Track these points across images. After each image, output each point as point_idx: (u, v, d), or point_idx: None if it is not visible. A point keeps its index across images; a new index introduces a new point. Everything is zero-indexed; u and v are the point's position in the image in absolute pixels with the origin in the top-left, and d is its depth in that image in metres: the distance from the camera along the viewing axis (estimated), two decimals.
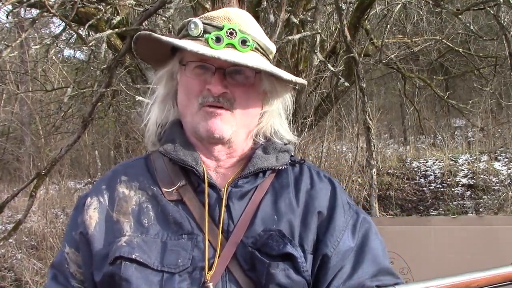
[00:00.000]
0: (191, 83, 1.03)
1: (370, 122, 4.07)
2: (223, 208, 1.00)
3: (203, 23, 1.03)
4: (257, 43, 1.05)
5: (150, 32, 1.02)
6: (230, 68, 1.01)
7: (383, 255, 1.05)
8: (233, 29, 1.01)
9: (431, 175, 7.27)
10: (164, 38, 1.01)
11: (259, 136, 1.10)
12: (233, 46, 1.01)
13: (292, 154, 1.11)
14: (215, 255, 0.97)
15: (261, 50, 1.07)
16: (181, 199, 1.01)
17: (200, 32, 1.02)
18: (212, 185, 1.01)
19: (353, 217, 1.07)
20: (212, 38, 1.00)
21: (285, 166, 1.07)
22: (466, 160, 7.47)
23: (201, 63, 1.02)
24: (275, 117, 1.12)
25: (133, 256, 0.94)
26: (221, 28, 1.01)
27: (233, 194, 1.02)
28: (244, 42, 1.02)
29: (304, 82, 1.11)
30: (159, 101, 1.11)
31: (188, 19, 1.05)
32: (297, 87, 1.16)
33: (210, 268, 0.95)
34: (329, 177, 1.13)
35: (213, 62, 1.01)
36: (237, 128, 1.04)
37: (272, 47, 1.11)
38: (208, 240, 0.98)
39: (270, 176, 1.07)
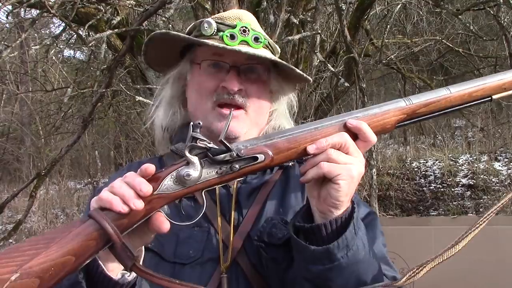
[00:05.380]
0: (204, 81, 1.05)
1: None
2: (233, 204, 1.04)
3: (216, 22, 1.05)
4: (267, 41, 1.08)
5: (168, 31, 1.04)
6: (244, 65, 1.04)
7: (384, 246, 1.09)
8: (245, 27, 1.04)
9: (431, 175, 7.25)
10: (182, 35, 1.03)
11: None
12: (246, 43, 1.04)
13: None
14: (225, 249, 1.00)
15: (271, 48, 1.10)
16: (193, 196, 1.02)
17: (214, 31, 1.04)
18: None
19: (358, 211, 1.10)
20: (226, 35, 1.03)
21: (292, 163, 1.10)
22: (466, 160, 7.45)
23: (215, 61, 1.04)
24: (282, 118, 1.16)
25: (149, 246, 0.98)
26: (234, 27, 1.04)
27: (242, 189, 1.05)
28: (257, 39, 1.05)
29: (310, 79, 1.15)
30: (166, 103, 1.13)
31: (199, 20, 1.08)
32: (297, 87, 1.19)
33: (224, 261, 0.99)
34: None
35: (227, 59, 1.03)
36: (250, 128, 1.07)
37: (278, 48, 1.15)
38: (220, 234, 1.01)
39: (277, 172, 1.10)
